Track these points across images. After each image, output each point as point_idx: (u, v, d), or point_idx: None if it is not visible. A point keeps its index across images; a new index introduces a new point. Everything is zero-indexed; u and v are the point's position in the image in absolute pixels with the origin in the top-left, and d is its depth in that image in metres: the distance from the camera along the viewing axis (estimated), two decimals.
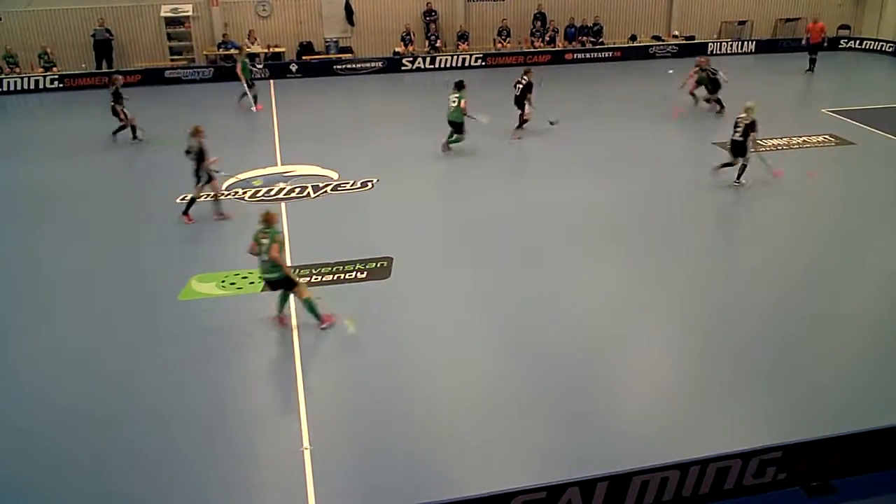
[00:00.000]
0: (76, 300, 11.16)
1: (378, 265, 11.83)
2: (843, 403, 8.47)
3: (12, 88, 25.52)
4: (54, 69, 26.35)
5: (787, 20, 30.21)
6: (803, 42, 26.38)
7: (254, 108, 21.85)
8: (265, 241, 9.67)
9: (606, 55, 28.69)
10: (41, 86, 25.97)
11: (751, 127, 14.35)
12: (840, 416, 8.01)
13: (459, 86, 17.18)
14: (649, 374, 9.36)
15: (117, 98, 18.68)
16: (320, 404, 8.55)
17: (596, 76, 26.60)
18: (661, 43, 29.31)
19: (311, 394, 8.66)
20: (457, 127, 17.19)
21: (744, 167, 14.66)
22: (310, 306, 9.90)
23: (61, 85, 26.03)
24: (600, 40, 29.04)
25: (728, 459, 6.97)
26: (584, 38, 29.04)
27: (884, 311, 10.73)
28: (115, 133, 19.10)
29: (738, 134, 14.49)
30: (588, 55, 28.57)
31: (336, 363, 9.46)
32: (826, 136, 18.13)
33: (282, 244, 9.87)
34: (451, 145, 17.41)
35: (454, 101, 17.08)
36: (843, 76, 26.44)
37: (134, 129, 19.03)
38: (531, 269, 11.79)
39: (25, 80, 25.90)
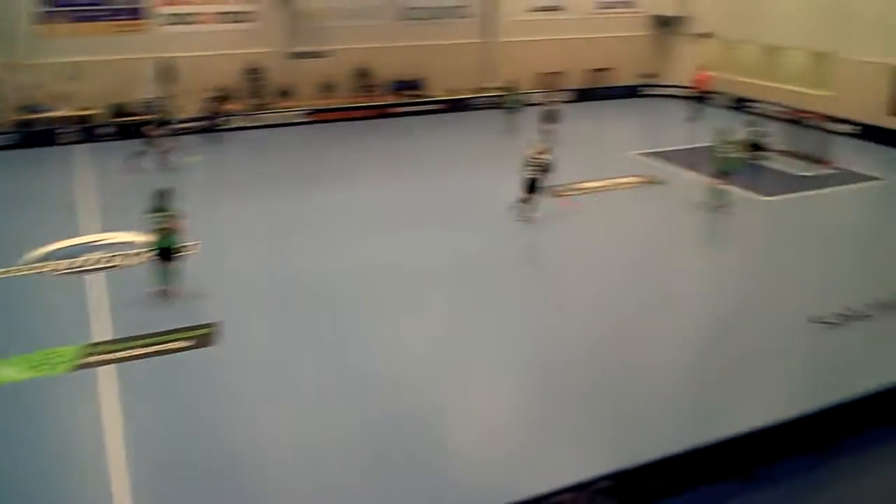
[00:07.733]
0: None
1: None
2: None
3: None
4: None
5: (597, 70, 32.05)
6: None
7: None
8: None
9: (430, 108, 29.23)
10: None
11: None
12: None
13: (163, 198, 11.85)
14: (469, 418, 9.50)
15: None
16: None
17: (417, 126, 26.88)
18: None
19: None
20: (168, 254, 11.91)
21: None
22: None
23: None
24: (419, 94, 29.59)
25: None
26: (408, 91, 29.57)
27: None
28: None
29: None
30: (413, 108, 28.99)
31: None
32: (640, 176, 19.19)
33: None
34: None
35: (161, 221, 11.73)
36: (646, 120, 27.75)
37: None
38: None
39: None
